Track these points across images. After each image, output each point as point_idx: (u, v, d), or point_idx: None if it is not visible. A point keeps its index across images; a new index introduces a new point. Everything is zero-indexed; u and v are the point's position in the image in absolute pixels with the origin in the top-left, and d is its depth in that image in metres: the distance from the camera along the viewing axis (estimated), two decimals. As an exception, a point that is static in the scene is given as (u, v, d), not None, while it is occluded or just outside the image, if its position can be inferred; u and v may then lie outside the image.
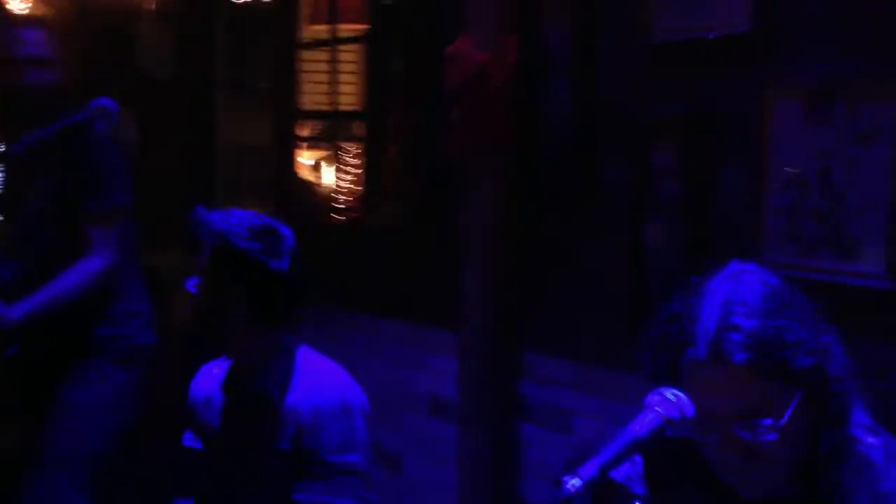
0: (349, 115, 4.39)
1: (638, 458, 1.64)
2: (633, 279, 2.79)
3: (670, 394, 1.46)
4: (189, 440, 2.39)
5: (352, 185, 4.33)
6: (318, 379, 2.22)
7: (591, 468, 1.31)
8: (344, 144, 4.41)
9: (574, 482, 1.31)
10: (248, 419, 2.29)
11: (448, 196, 3.41)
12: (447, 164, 3.34)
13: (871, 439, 1.42)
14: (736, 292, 1.37)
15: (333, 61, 4.37)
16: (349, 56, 4.37)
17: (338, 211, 4.37)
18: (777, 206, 2.48)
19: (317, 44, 4.50)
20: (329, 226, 4.29)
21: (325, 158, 4.77)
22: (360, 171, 4.27)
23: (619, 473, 1.48)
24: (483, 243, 3.25)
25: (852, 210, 2.36)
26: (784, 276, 1.40)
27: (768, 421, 1.35)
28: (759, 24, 2.50)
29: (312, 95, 4.61)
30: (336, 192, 4.45)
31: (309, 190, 4.77)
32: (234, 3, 4.97)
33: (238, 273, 2.15)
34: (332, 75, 4.39)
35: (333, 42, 4.37)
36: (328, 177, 4.67)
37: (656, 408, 1.44)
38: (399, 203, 3.91)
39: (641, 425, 1.40)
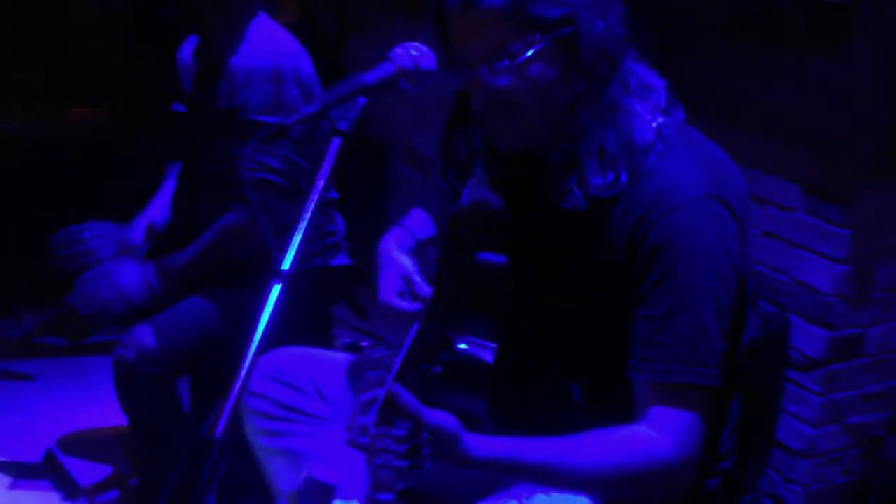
0: None
1: None
2: None
3: (413, 49, 1.56)
4: (175, 105, 2.59)
5: None
6: (261, 44, 2.39)
7: (313, 105, 1.45)
8: None
9: (293, 116, 1.45)
10: (204, 80, 2.47)
11: None
12: None
13: (648, 116, 1.49)
14: None
15: None
16: None
17: None
18: None
19: None
20: None
21: None
22: None
23: None
24: None
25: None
26: None
27: (505, 62, 1.43)
28: None
29: None
30: None
31: None
32: None
33: None
34: None
35: None
36: None
37: (394, 59, 1.55)
38: None
39: (373, 73, 1.52)
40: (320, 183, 1.43)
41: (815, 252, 2.48)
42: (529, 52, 1.43)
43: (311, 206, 1.42)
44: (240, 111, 2.36)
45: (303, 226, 1.41)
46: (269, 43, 2.42)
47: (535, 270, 1.61)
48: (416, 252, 1.92)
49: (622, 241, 1.49)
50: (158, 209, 2.73)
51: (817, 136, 2.45)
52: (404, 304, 1.79)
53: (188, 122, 2.61)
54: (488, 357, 1.66)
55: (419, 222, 1.98)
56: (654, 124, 1.50)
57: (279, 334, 1.40)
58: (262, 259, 2.42)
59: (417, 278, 1.83)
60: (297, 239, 1.41)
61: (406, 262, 1.86)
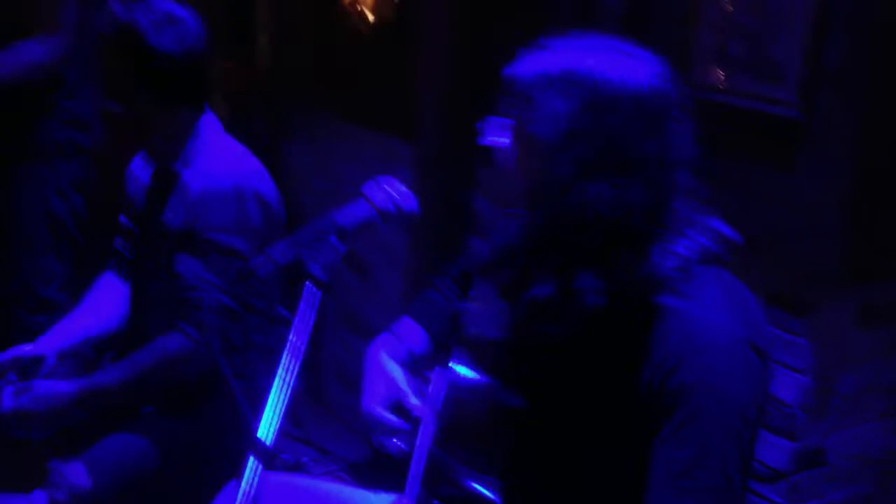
0: None
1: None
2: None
3: (388, 185, 1.52)
4: (122, 218, 2.48)
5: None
6: (218, 160, 2.31)
7: (282, 248, 1.38)
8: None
9: (261, 260, 1.38)
10: (155, 195, 2.37)
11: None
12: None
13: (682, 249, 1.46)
14: None
15: None
16: None
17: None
18: (709, 23, 2.53)
19: None
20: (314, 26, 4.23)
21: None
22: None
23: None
24: (435, 53, 3.28)
25: (775, 31, 2.40)
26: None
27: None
28: None
29: None
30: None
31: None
32: None
33: (128, 51, 2.24)
34: None
35: None
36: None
37: (368, 196, 1.49)
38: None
39: (347, 212, 1.46)
40: (300, 342, 1.32)
41: (778, 362, 2.45)
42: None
43: (292, 377, 1.31)
44: (197, 231, 2.25)
45: (283, 396, 1.29)
46: (227, 160, 2.33)
47: (545, 405, 1.53)
48: (408, 364, 1.81)
49: (644, 377, 1.42)
50: (92, 321, 2.58)
51: (773, 246, 2.44)
52: (391, 420, 1.67)
53: (137, 239, 2.49)
54: (496, 497, 1.55)
55: (411, 332, 1.87)
56: (686, 256, 1.46)
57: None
58: (209, 386, 2.29)
59: (409, 393, 1.71)
60: (277, 410, 1.29)
61: (397, 372, 1.74)
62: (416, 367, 1.81)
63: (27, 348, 2.44)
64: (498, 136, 1.47)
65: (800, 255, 2.40)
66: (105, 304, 2.59)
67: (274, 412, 1.30)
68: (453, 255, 2.10)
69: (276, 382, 1.32)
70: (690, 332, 1.41)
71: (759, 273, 2.46)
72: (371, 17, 3.87)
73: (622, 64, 1.43)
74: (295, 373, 1.31)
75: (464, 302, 1.76)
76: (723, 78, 2.51)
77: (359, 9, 4.22)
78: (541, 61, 1.46)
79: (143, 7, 2.29)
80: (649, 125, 1.41)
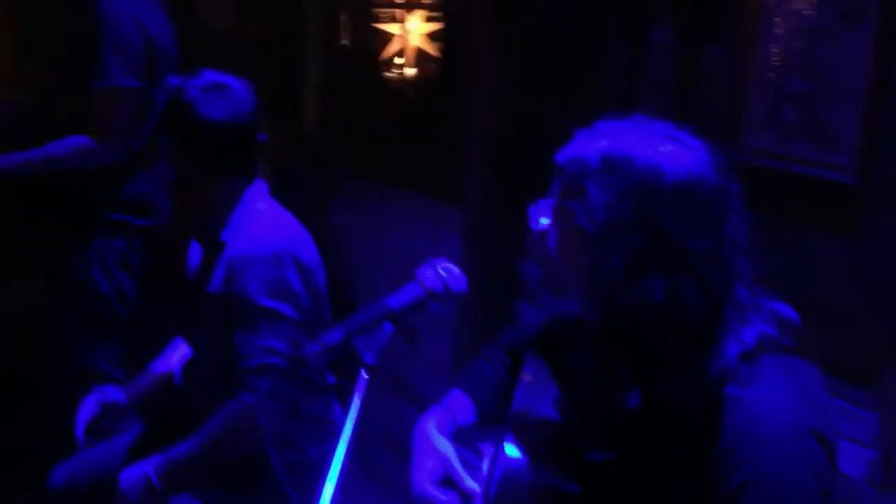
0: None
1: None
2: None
3: (441, 268, 1.49)
4: (180, 289, 2.52)
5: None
6: (260, 227, 2.32)
7: (336, 334, 1.35)
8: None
9: (314, 347, 1.35)
10: (203, 263, 2.37)
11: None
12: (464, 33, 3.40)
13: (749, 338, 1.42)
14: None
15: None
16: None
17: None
18: (760, 88, 2.50)
19: None
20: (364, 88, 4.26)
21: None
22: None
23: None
24: (483, 116, 3.27)
25: (830, 96, 2.37)
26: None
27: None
28: None
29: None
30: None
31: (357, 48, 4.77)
32: None
33: (179, 121, 2.29)
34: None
35: None
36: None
37: (422, 280, 1.47)
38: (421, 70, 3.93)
39: (400, 296, 1.44)
40: (349, 428, 1.29)
41: (843, 436, 2.37)
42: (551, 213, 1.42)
43: (343, 454, 1.28)
44: (239, 297, 2.25)
45: (336, 474, 1.26)
46: (269, 227, 2.34)
47: (603, 493, 1.48)
48: (459, 439, 1.77)
49: (708, 469, 1.38)
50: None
51: (834, 315, 2.37)
52: (443, 498, 1.62)
53: (190, 308, 2.50)
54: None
55: (460, 405, 1.83)
56: (750, 345, 1.42)
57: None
58: (258, 460, 2.26)
59: (459, 469, 1.66)
60: (331, 487, 1.26)
61: (447, 448, 1.70)
62: (466, 440, 1.77)
63: (110, 394, 2.47)
64: (546, 222, 1.44)
65: (863, 324, 2.33)
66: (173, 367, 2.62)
67: (328, 489, 1.27)
68: (503, 323, 2.06)
69: (331, 459, 1.30)
70: (755, 423, 1.36)
71: (821, 343, 2.40)
72: (413, 73, 3.91)
73: (669, 153, 1.39)
74: (347, 452, 1.29)
75: (514, 375, 1.72)
76: (775, 143, 2.47)
77: (401, 68, 4.27)
78: (587, 148, 1.42)
79: (194, 77, 2.32)
80: (699, 217, 1.36)
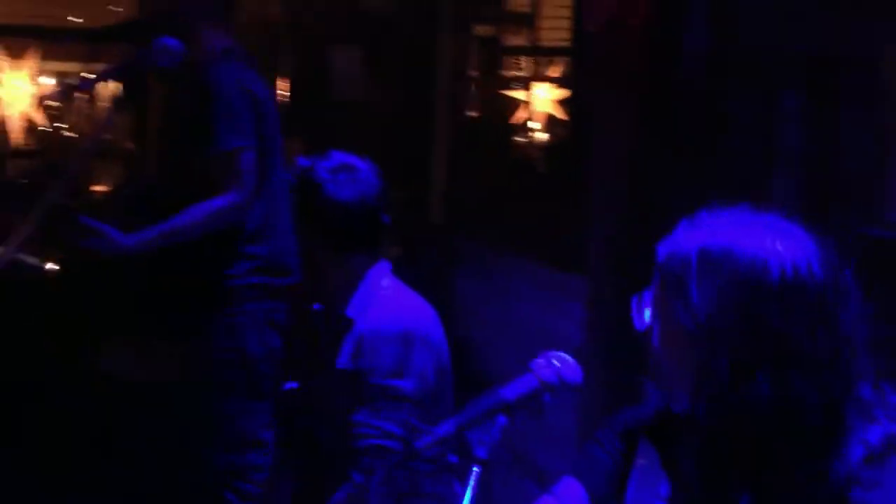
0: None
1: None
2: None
3: (556, 359, 1.42)
4: (288, 385, 2.52)
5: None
6: (388, 305, 2.32)
7: (448, 426, 1.30)
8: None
9: (426, 439, 1.30)
10: (327, 339, 2.37)
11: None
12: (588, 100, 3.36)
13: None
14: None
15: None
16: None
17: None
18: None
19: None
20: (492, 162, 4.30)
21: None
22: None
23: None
24: (611, 183, 3.25)
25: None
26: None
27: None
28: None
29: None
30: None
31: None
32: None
33: (308, 202, 2.33)
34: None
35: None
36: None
37: (536, 372, 1.40)
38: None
39: (514, 388, 1.38)
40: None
41: None
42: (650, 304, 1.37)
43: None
44: (364, 374, 2.25)
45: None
46: (398, 305, 2.35)
47: None
48: None
49: None
50: None
51: None
52: None
53: (312, 383, 2.52)
54: None
55: (572, 493, 1.77)
56: (876, 445, 1.32)
57: None
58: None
59: None
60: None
61: None
62: None
63: None
64: (650, 314, 1.39)
65: None
66: None
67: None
68: (628, 398, 2.00)
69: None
70: None
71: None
72: (542, 139, 3.91)
73: (774, 246, 1.31)
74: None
75: (628, 461, 1.65)
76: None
77: (530, 134, 4.30)
78: (686, 241, 1.35)
79: (323, 159, 2.38)
80: (809, 315, 1.27)
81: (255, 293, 3.14)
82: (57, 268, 3.95)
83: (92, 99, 3.38)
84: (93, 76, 2.96)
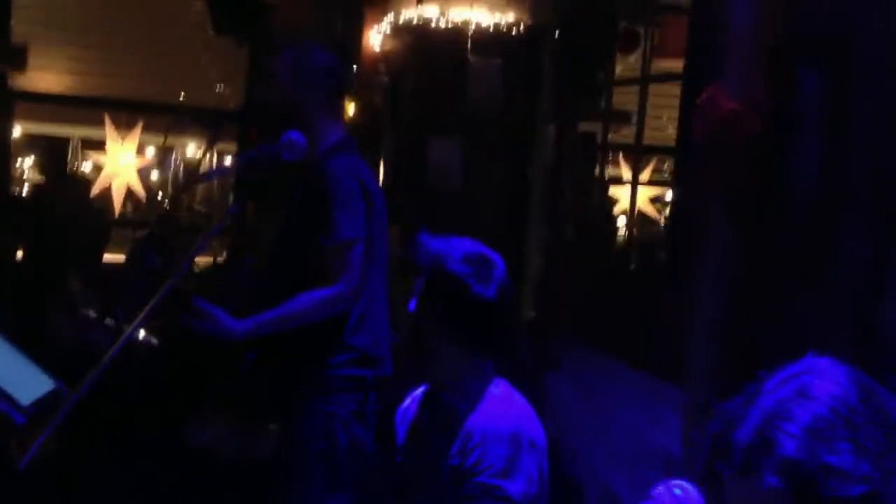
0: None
1: None
2: (862, 359, 2.69)
3: (677, 487, 1.38)
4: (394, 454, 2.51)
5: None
6: (500, 406, 2.29)
7: None
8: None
9: None
10: (435, 432, 2.35)
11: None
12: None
13: None
14: (789, 401, 1.18)
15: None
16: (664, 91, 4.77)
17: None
18: None
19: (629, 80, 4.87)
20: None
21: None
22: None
23: None
24: (711, 293, 3.21)
25: None
26: (865, 380, 1.20)
27: None
28: None
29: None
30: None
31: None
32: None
33: (444, 295, 2.26)
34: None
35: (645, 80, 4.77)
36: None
37: (657, 500, 1.36)
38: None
39: None
40: None
41: None
42: None
43: None
44: (470, 472, 2.25)
45: None
46: (509, 405, 2.34)
47: None
48: None
49: None
50: None
51: None
52: None
53: (409, 474, 2.52)
54: None
55: None
56: None
57: None
58: None
59: None
60: None
61: None
62: None
63: None
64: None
65: None
66: None
67: None
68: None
69: None
70: None
71: None
72: (643, 235, 3.92)
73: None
74: None
75: None
76: None
77: (629, 230, 4.30)
78: (749, 417, 1.20)
79: (452, 248, 2.30)
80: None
81: (350, 385, 3.19)
82: (156, 342, 4.05)
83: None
84: (217, 170, 3.06)
